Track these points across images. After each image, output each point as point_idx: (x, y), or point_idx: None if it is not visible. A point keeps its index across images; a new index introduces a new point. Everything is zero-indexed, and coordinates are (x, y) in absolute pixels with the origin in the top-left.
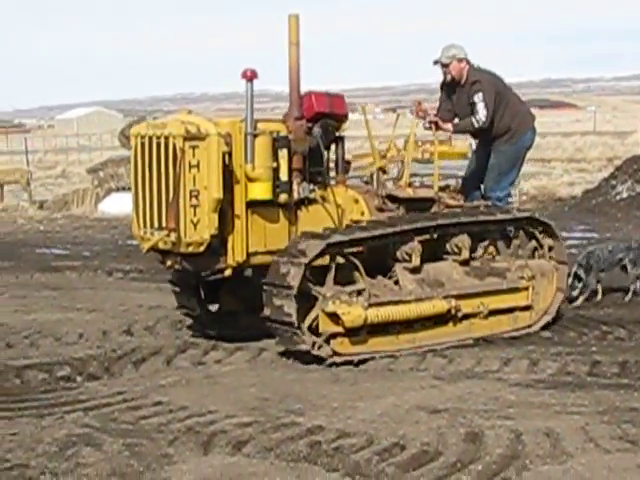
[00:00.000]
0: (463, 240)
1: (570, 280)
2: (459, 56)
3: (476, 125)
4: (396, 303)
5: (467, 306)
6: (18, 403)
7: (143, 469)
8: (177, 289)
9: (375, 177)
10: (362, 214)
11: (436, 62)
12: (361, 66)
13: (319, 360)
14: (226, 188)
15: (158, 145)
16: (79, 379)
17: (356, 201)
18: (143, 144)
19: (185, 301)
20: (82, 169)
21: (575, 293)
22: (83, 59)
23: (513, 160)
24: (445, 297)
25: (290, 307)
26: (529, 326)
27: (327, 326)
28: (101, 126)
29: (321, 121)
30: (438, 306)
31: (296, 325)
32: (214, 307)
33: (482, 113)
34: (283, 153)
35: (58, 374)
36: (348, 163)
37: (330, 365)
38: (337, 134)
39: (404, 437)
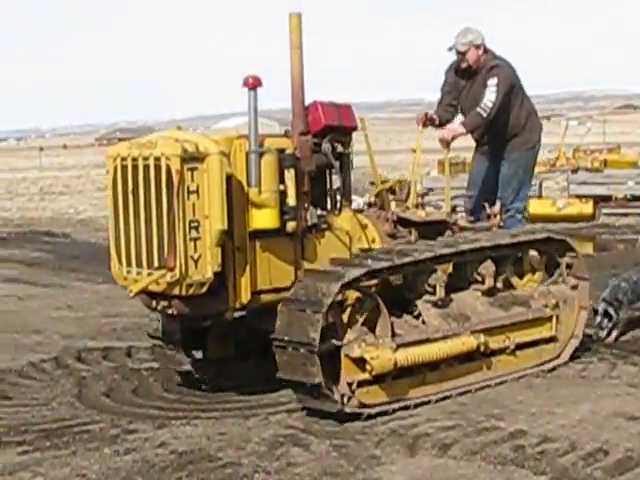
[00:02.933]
0: (487, 267)
1: (599, 319)
2: (476, 42)
3: (484, 114)
4: (423, 342)
5: (494, 341)
6: (222, 404)
7: (353, 469)
8: (158, 336)
9: (384, 199)
10: (373, 241)
11: (450, 49)
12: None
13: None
14: (228, 217)
15: (146, 168)
16: None
17: (365, 227)
18: (125, 167)
19: (168, 349)
20: None
21: (603, 334)
22: (239, 68)
23: (530, 166)
24: (473, 332)
25: (314, 330)
26: (554, 359)
27: (353, 374)
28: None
29: (329, 136)
30: (467, 343)
31: (316, 347)
32: (198, 354)
33: (488, 98)
34: (290, 174)
35: None
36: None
37: (338, 413)
38: (344, 150)
39: (607, 442)
